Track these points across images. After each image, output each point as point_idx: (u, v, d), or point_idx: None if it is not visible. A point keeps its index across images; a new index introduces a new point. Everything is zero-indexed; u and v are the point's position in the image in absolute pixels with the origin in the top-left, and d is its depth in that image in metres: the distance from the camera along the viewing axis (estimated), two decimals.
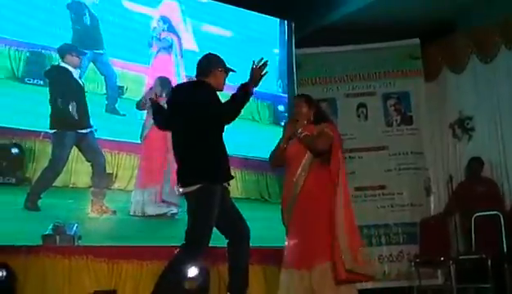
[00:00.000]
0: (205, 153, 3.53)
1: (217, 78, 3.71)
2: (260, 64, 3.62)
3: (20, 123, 5.02)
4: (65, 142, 5.18)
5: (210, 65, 3.73)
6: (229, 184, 3.74)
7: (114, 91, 5.60)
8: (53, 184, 5.08)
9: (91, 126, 5.34)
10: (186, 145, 3.57)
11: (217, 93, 3.67)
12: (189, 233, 3.50)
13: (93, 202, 5.25)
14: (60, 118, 5.20)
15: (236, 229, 3.65)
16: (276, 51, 6.92)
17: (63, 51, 5.32)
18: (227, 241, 3.66)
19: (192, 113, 3.55)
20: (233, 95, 3.60)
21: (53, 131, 5.15)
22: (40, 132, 5.09)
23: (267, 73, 3.65)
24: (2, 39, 5.15)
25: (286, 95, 6.79)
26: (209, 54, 3.84)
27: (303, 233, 3.67)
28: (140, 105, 5.67)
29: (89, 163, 5.31)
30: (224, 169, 3.64)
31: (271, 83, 6.69)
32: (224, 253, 3.73)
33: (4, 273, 4.29)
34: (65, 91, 5.29)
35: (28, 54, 5.25)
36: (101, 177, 5.36)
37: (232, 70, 3.79)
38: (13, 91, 5.13)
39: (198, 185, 3.47)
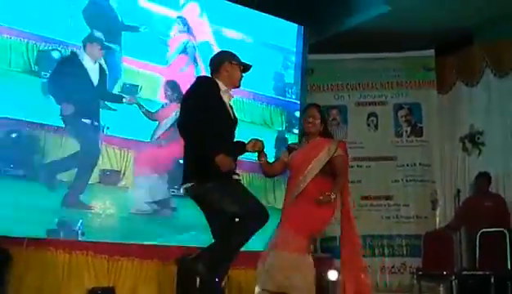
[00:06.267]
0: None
1: (230, 73, 3.42)
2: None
3: (35, 117, 5.03)
4: (80, 134, 5.19)
5: (220, 60, 3.46)
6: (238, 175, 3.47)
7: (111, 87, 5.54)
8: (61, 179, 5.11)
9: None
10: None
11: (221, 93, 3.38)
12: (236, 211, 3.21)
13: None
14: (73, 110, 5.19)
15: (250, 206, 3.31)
16: (293, 58, 6.79)
17: (85, 40, 5.31)
18: None
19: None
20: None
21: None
22: (54, 126, 5.11)
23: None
24: (18, 32, 5.12)
25: (298, 102, 6.66)
26: (221, 50, 3.67)
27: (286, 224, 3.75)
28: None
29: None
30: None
31: (284, 90, 6.61)
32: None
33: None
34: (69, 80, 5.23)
35: (45, 48, 5.21)
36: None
37: (248, 65, 3.53)
38: (29, 84, 5.11)
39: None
